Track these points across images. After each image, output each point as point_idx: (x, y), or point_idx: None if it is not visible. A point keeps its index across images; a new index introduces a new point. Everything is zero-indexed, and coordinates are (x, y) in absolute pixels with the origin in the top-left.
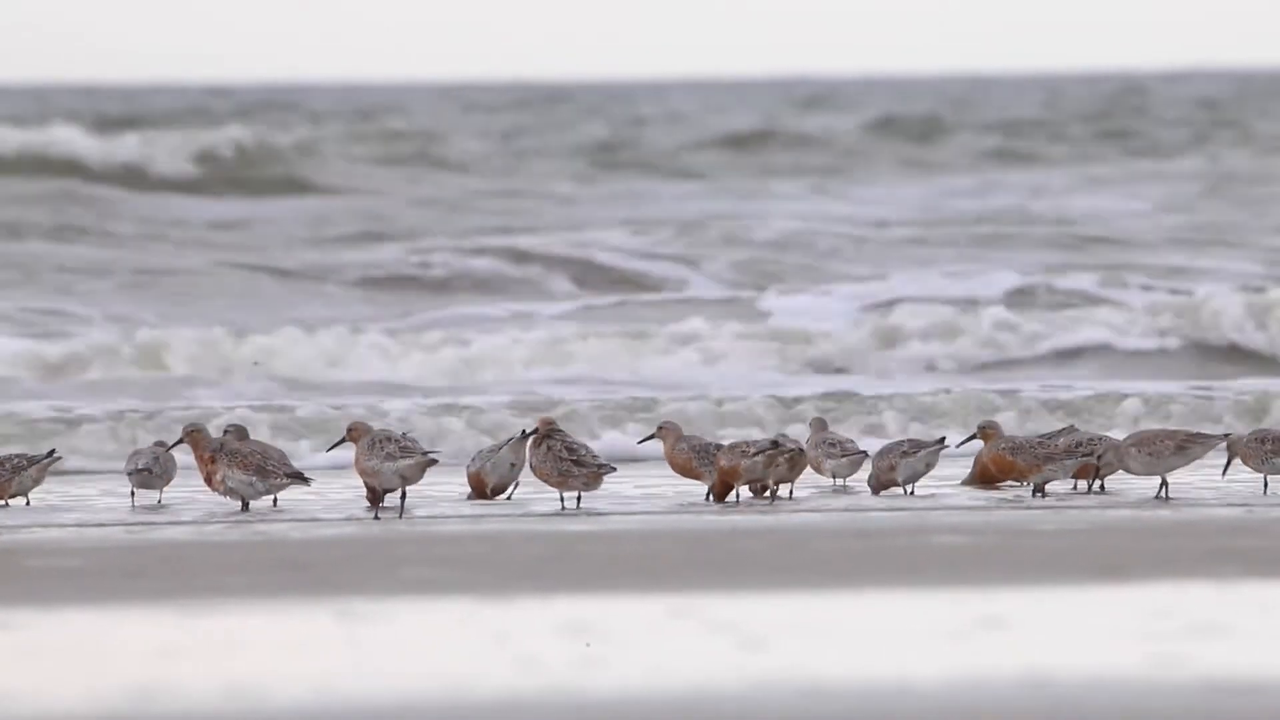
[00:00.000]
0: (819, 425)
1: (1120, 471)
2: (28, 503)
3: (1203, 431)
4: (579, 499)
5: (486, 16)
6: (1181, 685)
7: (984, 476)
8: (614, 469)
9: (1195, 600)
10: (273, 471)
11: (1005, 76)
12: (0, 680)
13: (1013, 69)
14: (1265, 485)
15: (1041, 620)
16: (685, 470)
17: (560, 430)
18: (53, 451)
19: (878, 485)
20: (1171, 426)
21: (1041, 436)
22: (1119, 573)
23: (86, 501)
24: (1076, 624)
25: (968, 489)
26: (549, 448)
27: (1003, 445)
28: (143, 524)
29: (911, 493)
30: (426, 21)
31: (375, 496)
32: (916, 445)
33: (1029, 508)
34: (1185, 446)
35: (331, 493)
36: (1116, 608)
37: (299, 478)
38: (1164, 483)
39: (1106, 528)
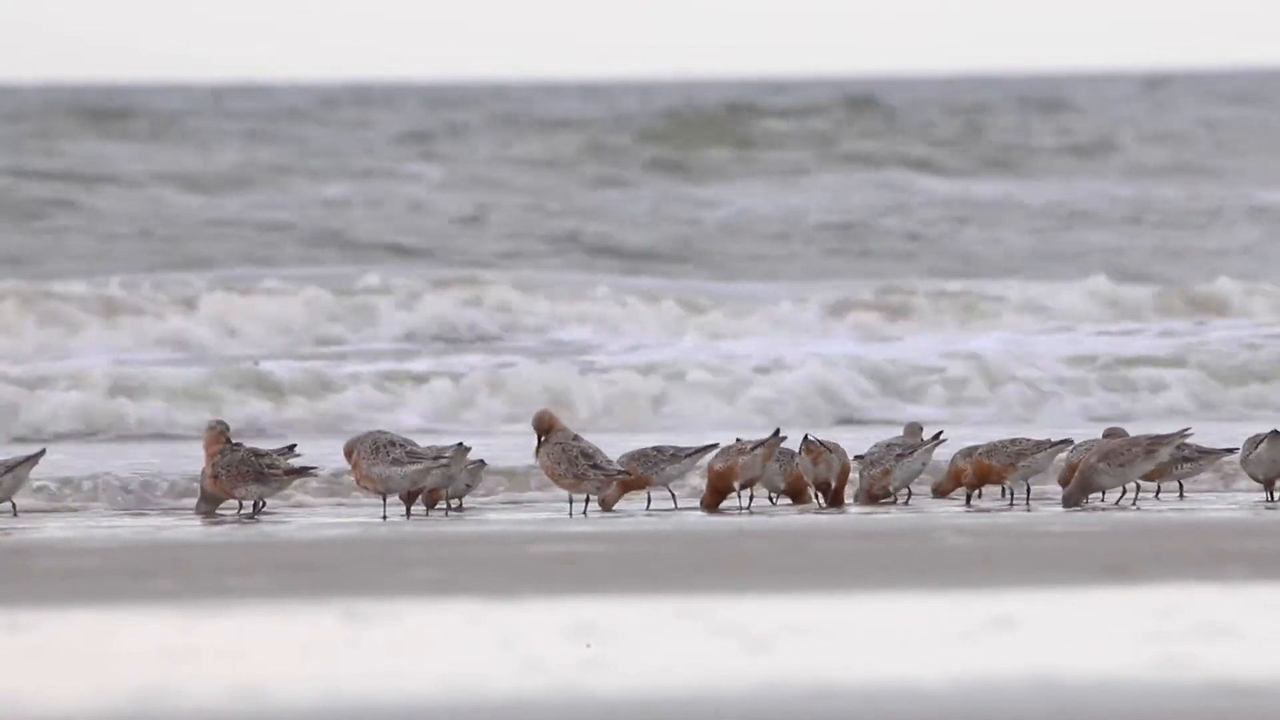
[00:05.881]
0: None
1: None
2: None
3: (1166, 434)
4: (586, 504)
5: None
6: (1189, 687)
7: (957, 480)
8: (628, 474)
9: (1202, 602)
10: (272, 475)
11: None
12: (7, 680)
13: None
14: (1267, 488)
15: (1048, 621)
16: (641, 483)
17: (565, 429)
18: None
19: (869, 497)
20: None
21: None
22: (1125, 574)
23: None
24: (1083, 625)
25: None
26: (564, 447)
27: (980, 451)
28: (149, 525)
29: (907, 500)
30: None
31: (412, 499)
32: (909, 446)
33: (1034, 509)
34: (1153, 450)
35: (338, 494)
36: (1123, 609)
37: (300, 471)
38: (1138, 487)
39: (1113, 529)
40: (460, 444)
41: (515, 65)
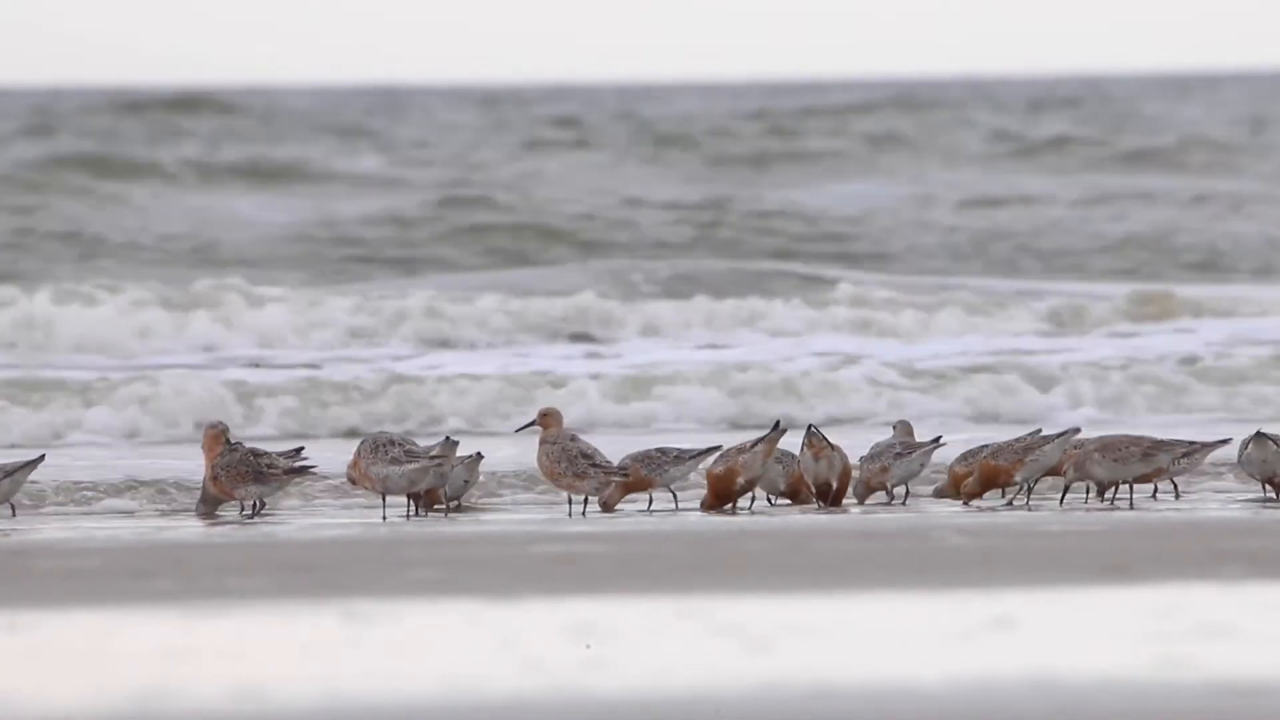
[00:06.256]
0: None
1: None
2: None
3: (1168, 439)
4: (586, 504)
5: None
6: (1188, 686)
7: (956, 485)
8: (628, 475)
9: (1201, 601)
10: (271, 474)
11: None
12: (7, 680)
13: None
14: (1263, 487)
15: (1048, 621)
16: (643, 484)
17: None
18: (42, 456)
19: (865, 491)
20: (1135, 434)
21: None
22: (1125, 574)
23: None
24: (1083, 625)
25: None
26: (563, 447)
27: (983, 455)
28: (149, 525)
29: (905, 501)
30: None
31: (422, 500)
32: (909, 446)
33: (1034, 509)
34: (1151, 454)
35: (337, 493)
36: (1123, 609)
37: (300, 471)
38: (1130, 486)
39: (1112, 529)
40: (447, 438)
41: (515, 66)
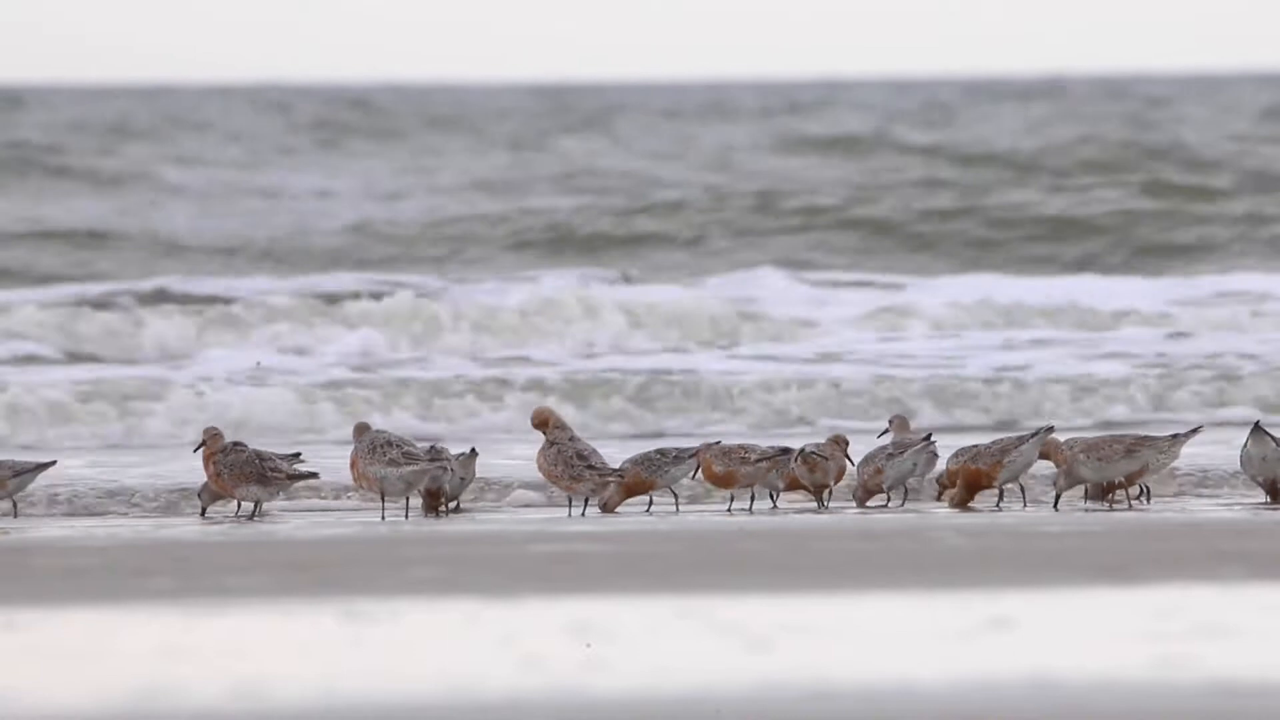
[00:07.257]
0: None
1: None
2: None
3: (1151, 435)
4: (586, 504)
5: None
6: (1187, 686)
7: (952, 481)
8: (623, 477)
9: (1200, 602)
10: (274, 478)
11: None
12: (6, 679)
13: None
14: (1267, 491)
15: (1047, 622)
16: (640, 486)
17: (564, 429)
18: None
19: (864, 494)
20: (1118, 432)
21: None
22: (1124, 574)
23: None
24: (1082, 625)
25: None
26: (560, 449)
27: (964, 458)
28: (149, 524)
29: (903, 502)
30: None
31: (434, 503)
32: (901, 446)
33: (1033, 509)
34: (1134, 450)
35: (337, 492)
36: (1121, 609)
37: (301, 476)
38: (1124, 485)
39: (1112, 529)
40: (432, 446)
41: (516, 67)
